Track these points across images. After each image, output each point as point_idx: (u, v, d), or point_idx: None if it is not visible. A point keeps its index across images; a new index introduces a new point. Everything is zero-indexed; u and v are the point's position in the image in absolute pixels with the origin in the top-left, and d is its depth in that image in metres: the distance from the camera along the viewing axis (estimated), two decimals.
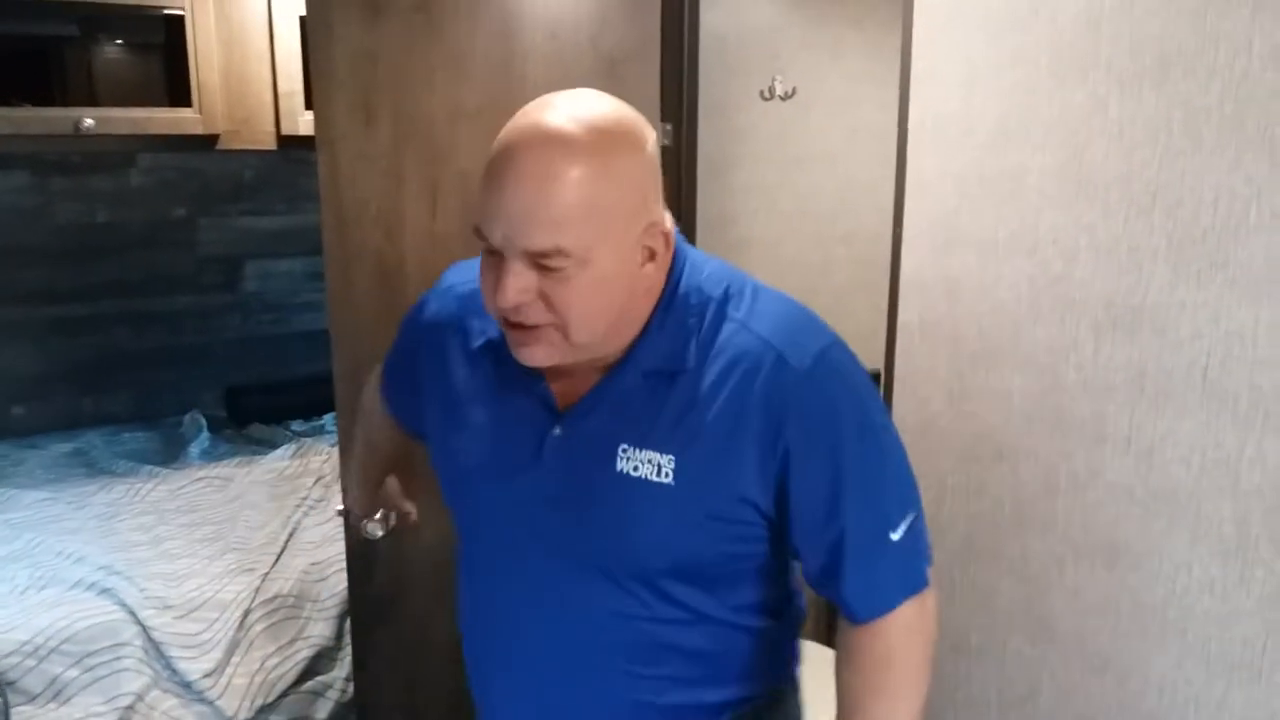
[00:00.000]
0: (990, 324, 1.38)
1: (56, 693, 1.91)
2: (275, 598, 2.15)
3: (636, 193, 0.91)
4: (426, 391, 1.13)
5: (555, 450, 0.99)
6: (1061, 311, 1.28)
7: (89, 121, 2.06)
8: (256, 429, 3.20)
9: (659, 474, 0.95)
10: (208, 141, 2.26)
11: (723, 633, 1.04)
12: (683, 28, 2.43)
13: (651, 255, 0.94)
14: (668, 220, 0.96)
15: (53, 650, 1.92)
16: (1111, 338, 1.22)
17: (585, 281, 0.90)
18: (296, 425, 3.24)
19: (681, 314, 0.97)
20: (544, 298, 0.90)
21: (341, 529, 2.39)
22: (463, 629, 1.15)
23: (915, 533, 0.98)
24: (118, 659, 1.98)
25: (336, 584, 2.19)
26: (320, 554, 2.28)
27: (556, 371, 0.99)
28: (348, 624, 2.16)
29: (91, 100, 2.10)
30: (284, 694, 2.09)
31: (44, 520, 2.40)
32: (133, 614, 2.02)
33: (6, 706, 1.68)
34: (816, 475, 0.94)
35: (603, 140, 0.89)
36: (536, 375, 1.00)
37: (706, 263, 1.02)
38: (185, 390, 3.31)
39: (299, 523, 2.44)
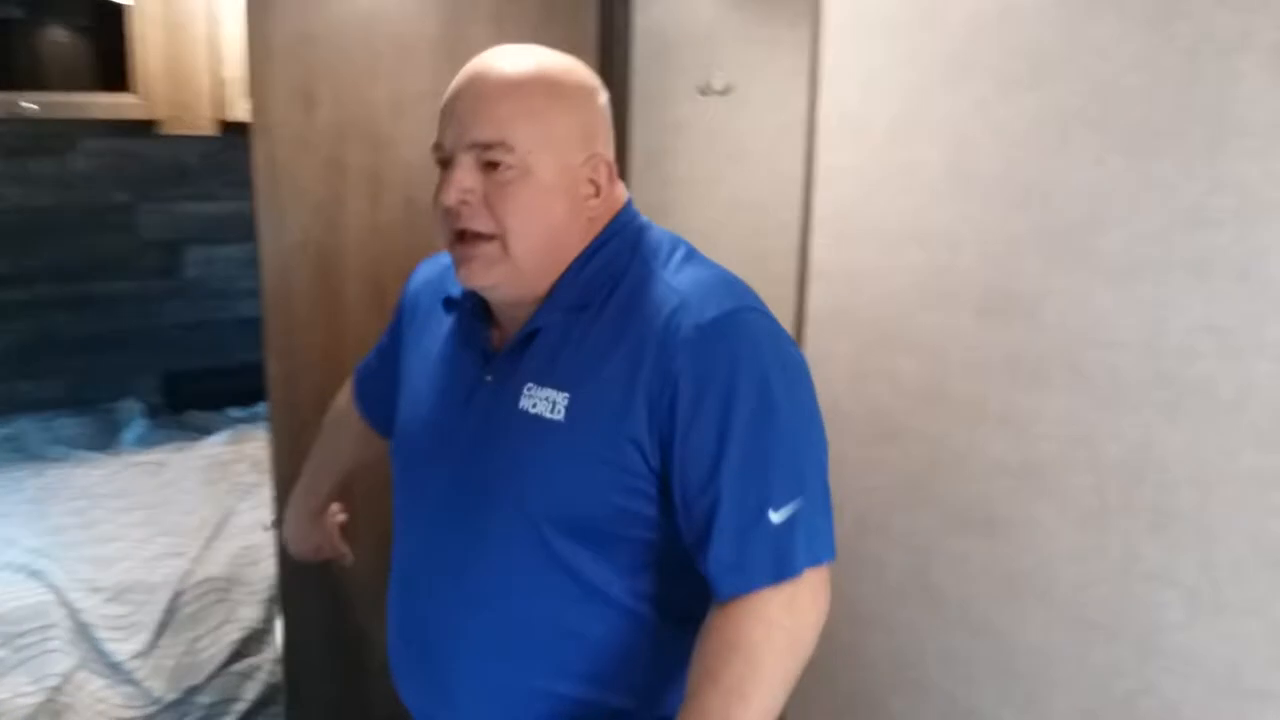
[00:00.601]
0: (886, 311, 1.45)
1: None
2: (205, 580, 2.18)
3: (583, 122, 0.98)
4: (404, 374, 1.16)
5: (482, 396, 1.02)
6: (948, 299, 1.36)
7: (30, 105, 2.07)
8: (193, 415, 3.20)
9: (553, 411, 0.95)
10: (148, 126, 2.27)
11: (625, 624, 0.99)
12: (619, 23, 2.49)
13: (596, 190, 0.99)
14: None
15: None
16: (990, 323, 1.30)
17: (526, 190, 0.95)
18: (234, 411, 3.25)
19: (610, 258, 1.00)
20: (487, 203, 0.95)
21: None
22: (388, 606, 1.14)
23: (799, 522, 0.91)
24: (46, 640, 1.99)
25: (267, 568, 2.22)
26: (251, 538, 2.31)
27: (499, 319, 1.04)
28: (277, 607, 2.20)
29: (34, 84, 2.11)
30: (212, 675, 2.11)
31: None
32: (61, 596, 2.03)
33: None
34: (700, 435, 0.91)
35: (554, 72, 0.98)
36: (482, 323, 1.05)
37: (659, 230, 1.05)
38: (123, 376, 3.29)
39: (232, 508, 2.46)
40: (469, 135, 0.95)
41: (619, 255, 1.00)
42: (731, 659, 0.88)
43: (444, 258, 1.10)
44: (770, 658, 0.89)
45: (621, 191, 1.04)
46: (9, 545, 2.17)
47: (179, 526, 2.35)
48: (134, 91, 2.20)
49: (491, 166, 0.95)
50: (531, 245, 0.97)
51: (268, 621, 2.19)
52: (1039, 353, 1.25)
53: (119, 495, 2.52)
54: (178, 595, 2.13)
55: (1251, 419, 1.05)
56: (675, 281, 0.97)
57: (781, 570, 0.90)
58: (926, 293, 1.39)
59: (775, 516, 0.91)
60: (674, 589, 1.00)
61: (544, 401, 0.96)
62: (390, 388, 1.20)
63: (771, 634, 0.89)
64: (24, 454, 2.79)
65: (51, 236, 2.88)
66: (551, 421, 0.95)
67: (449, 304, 1.10)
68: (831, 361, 1.56)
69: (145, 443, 2.93)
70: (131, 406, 3.16)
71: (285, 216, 1.67)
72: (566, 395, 0.95)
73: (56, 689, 1.96)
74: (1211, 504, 1.09)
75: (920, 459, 1.41)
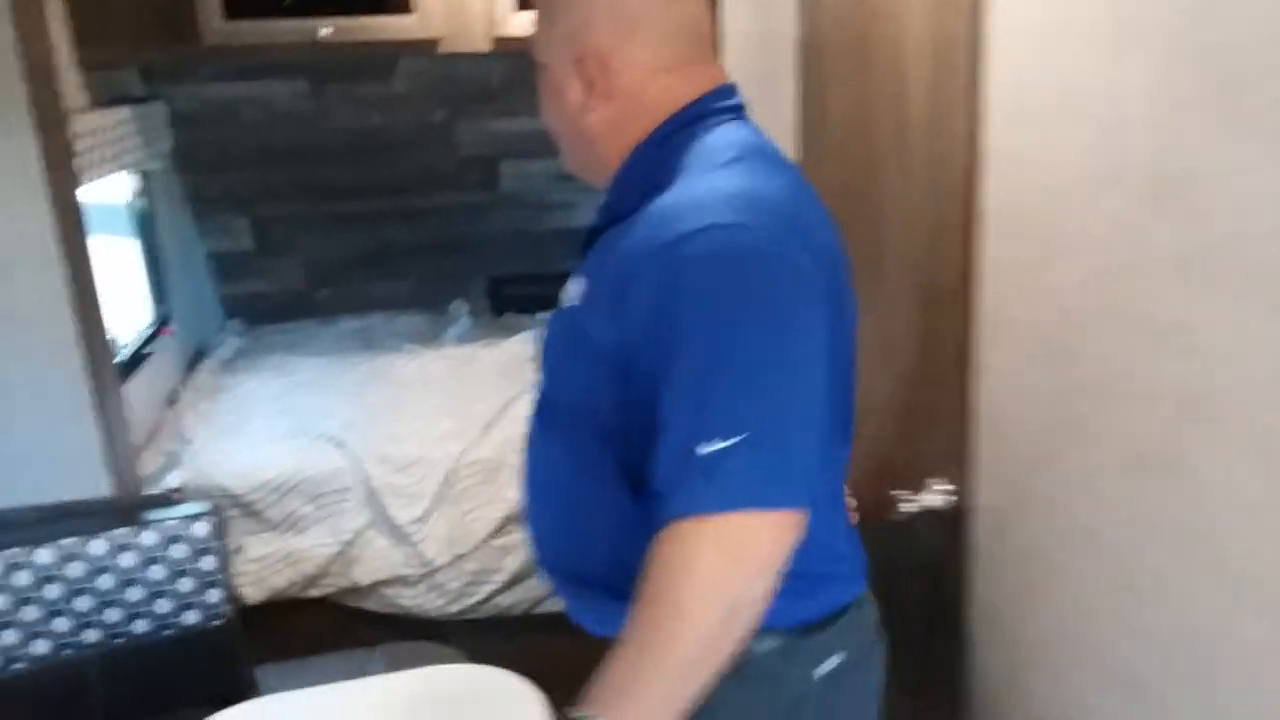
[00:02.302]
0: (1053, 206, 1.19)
1: (293, 524, 2.28)
2: (476, 461, 2.39)
3: (579, 10, 0.99)
4: None
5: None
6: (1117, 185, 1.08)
7: (325, 31, 2.33)
8: (510, 318, 3.49)
9: (575, 298, 0.99)
10: (429, 46, 2.47)
11: (613, 501, 1.00)
12: None
13: (591, 86, 0.99)
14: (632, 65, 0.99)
15: (292, 489, 2.28)
16: (1163, 210, 1.02)
17: (543, 87, 1.05)
18: (544, 315, 3.48)
19: (645, 166, 0.99)
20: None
21: None
22: None
23: (736, 459, 0.84)
24: (343, 501, 2.31)
25: None
26: (522, 427, 2.48)
27: None
28: None
29: (331, 11, 2.37)
30: (477, 546, 2.33)
31: (315, 382, 2.82)
32: (358, 464, 2.34)
33: (222, 534, 2.01)
34: (650, 353, 0.90)
35: None
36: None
37: (726, 132, 1.00)
38: (456, 280, 3.67)
39: (513, 399, 2.67)
40: None
41: (661, 159, 0.97)
42: (652, 576, 0.87)
43: None
44: (688, 587, 0.85)
45: (670, 90, 1.00)
46: (327, 417, 2.53)
47: (466, 412, 2.59)
48: (413, 13, 2.39)
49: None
50: (562, 143, 1.06)
51: None
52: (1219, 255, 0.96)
53: (426, 382, 2.83)
54: (453, 472, 2.36)
55: None
56: (690, 189, 0.93)
57: (705, 503, 0.85)
58: (1094, 179, 1.12)
59: (705, 449, 0.85)
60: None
61: (571, 290, 1.01)
62: None
63: (692, 564, 0.85)
64: (367, 344, 3.22)
65: (382, 153, 3.24)
66: (570, 308, 1.00)
67: None
68: (1003, 270, 1.33)
69: (463, 339, 3.26)
70: (460, 307, 3.52)
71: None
72: (584, 281, 0.98)
73: (349, 543, 2.28)
74: None
75: (1090, 383, 1.16)
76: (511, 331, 3.31)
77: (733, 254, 0.88)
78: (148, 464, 2.26)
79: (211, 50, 2.34)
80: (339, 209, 3.38)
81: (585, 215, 3.65)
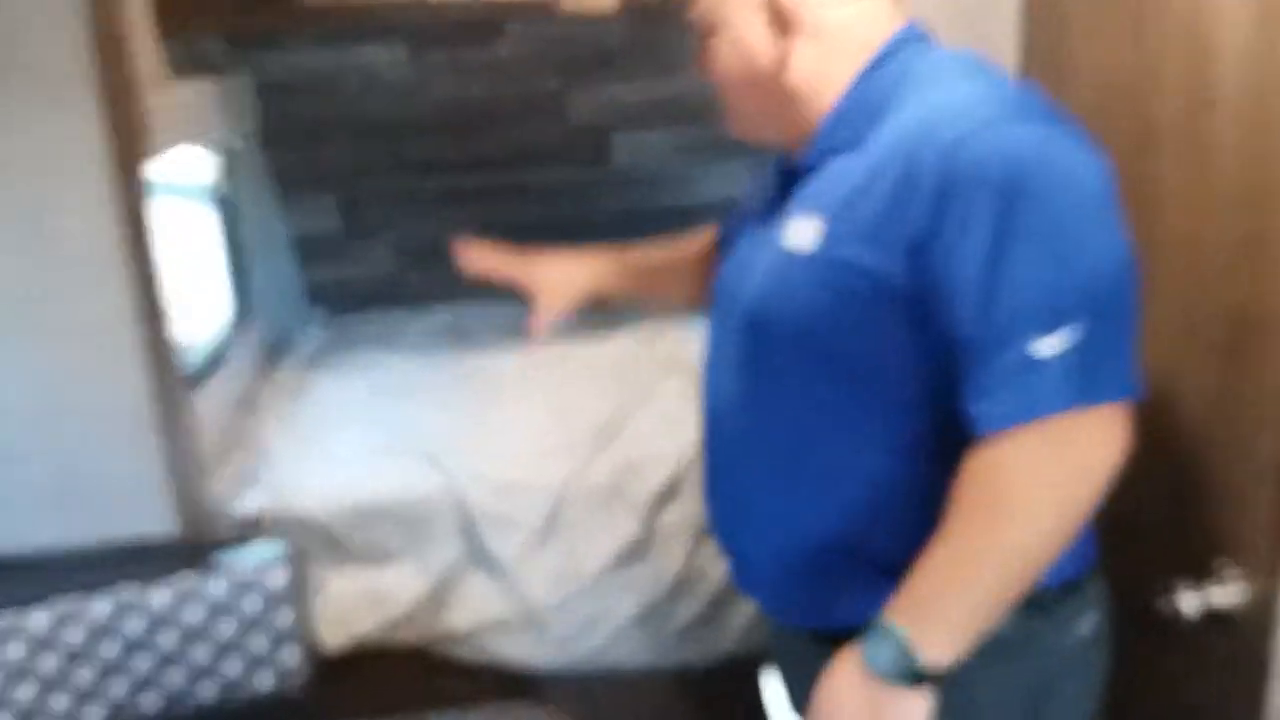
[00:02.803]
0: None
1: (379, 556, 2.00)
2: (589, 486, 2.07)
3: None
4: None
5: (757, 239, 1.07)
6: None
7: None
8: (619, 305, 3.17)
9: (808, 241, 0.95)
10: (545, 8, 2.13)
11: (886, 463, 0.97)
12: None
13: (783, 26, 0.96)
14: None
15: (380, 515, 2.00)
16: None
17: (717, 51, 1.00)
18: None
19: (867, 95, 0.97)
20: (708, 73, 1.03)
21: (667, 424, 2.26)
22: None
23: (1069, 354, 0.83)
24: (436, 530, 2.02)
25: (652, 480, 2.07)
26: (642, 448, 2.17)
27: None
28: (656, 523, 2.04)
29: None
30: (590, 585, 2.02)
31: (406, 386, 2.54)
32: (453, 486, 2.04)
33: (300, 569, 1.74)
34: (952, 260, 0.86)
35: None
36: (782, 170, 1.09)
37: (942, 55, 0.99)
38: None
39: (629, 411, 2.34)
40: None
41: (881, 91, 0.96)
42: (979, 483, 0.86)
43: None
44: (1026, 493, 0.84)
45: (875, 19, 0.99)
46: (418, 428, 2.25)
47: (574, 424, 2.28)
48: None
49: (703, 38, 1.03)
50: (737, 105, 1.05)
51: (645, 537, 2.04)
52: None
53: (527, 385, 2.53)
54: (561, 497, 2.06)
55: None
56: (937, 99, 0.91)
57: (1039, 406, 0.85)
58: None
59: (1033, 349, 0.84)
60: (941, 429, 0.93)
61: (797, 232, 0.97)
62: None
63: (1027, 467, 0.84)
64: (460, 338, 2.94)
65: (484, 126, 2.93)
66: (805, 252, 0.95)
67: None
68: None
69: (565, 333, 2.94)
70: None
71: None
72: (820, 222, 0.94)
73: (441, 580, 1.99)
74: None
75: None
76: (618, 324, 2.99)
77: (1027, 144, 0.85)
78: (222, 483, 2.00)
79: (309, 13, 2.04)
80: (434, 186, 3.09)
81: (704, 191, 3.30)
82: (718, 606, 2.03)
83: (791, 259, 0.97)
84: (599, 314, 3.04)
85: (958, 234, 0.85)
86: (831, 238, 0.93)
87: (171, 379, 1.68)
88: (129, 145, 1.55)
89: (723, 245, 1.30)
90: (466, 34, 2.71)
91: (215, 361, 2.24)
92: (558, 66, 2.87)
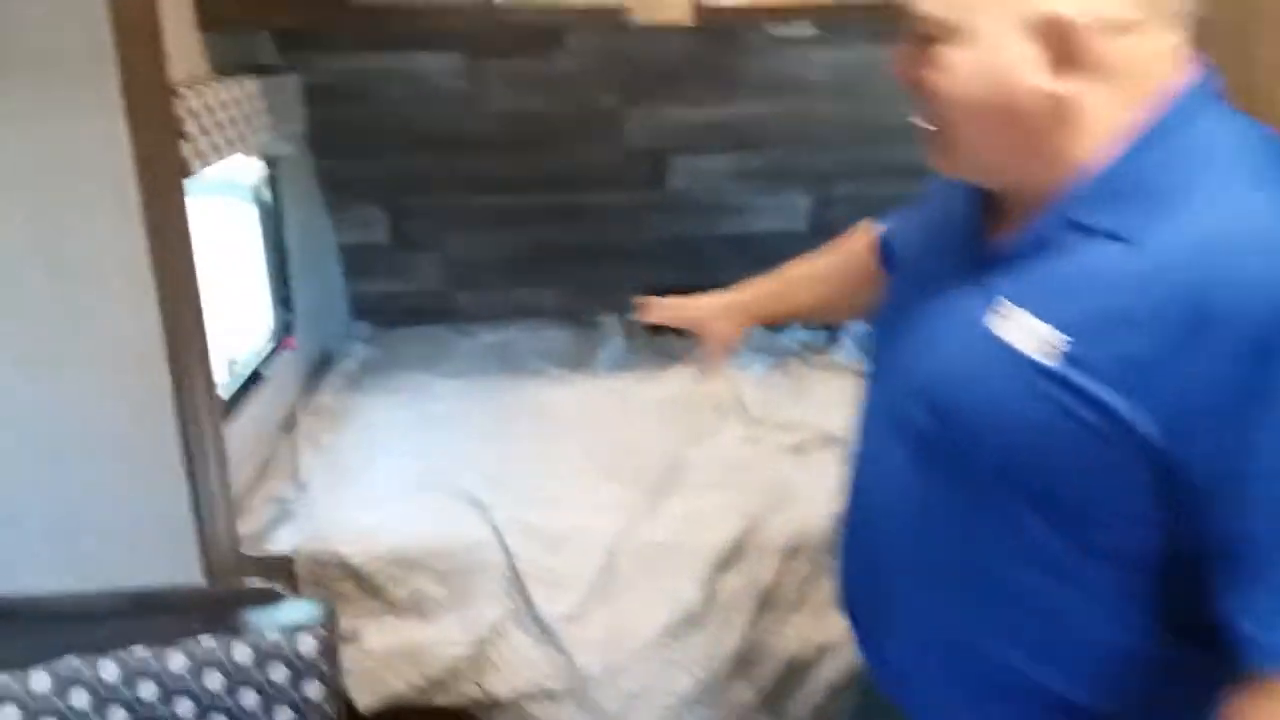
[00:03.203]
0: None
1: (419, 608, 1.84)
2: (645, 543, 1.90)
3: None
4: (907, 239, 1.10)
5: (942, 285, 0.88)
6: None
7: None
8: (670, 340, 3.00)
9: (1038, 349, 0.78)
10: (617, 16, 1.96)
11: (1104, 616, 0.81)
12: None
13: (1061, 60, 0.76)
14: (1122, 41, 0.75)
15: (421, 564, 1.84)
16: None
17: (952, 63, 0.79)
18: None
19: (1145, 169, 0.77)
20: (921, 85, 0.82)
21: (730, 473, 2.09)
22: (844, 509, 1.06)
23: None
24: (480, 584, 1.86)
25: (713, 538, 1.89)
26: (703, 500, 2.00)
27: (999, 217, 0.87)
28: (717, 587, 1.86)
29: None
30: (640, 656, 1.84)
31: (452, 415, 2.39)
32: (500, 537, 1.88)
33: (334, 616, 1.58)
34: (1236, 434, 0.69)
35: None
36: (974, 202, 0.90)
37: (1231, 119, 0.78)
38: (608, 290, 3.21)
39: (683, 456, 2.18)
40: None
41: (1161, 168, 0.76)
42: None
43: None
44: None
45: (1167, 63, 0.78)
46: (463, 466, 2.10)
47: (629, 471, 2.11)
48: None
49: (925, 39, 0.80)
50: (964, 131, 0.80)
51: (704, 605, 1.87)
52: None
53: (578, 425, 2.37)
54: (614, 554, 1.89)
55: None
56: (1237, 206, 0.72)
57: None
58: None
59: None
60: (1180, 597, 0.78)
61: (1026, 332, 0.79)
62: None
63: None
64: (507, 363, 2.79)
65: (539, 142, 2.78)
66: (1034, 361, 0.78)
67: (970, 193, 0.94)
68: None
69: (617, 365, 2.80)
70: (612, 325, 3.06)
71: None
72: (1070, 340, 0.76)
73: (484, 640, 1.83)
74: None
75: None
76: (672, 358, 2.82)
77: None
78: (254, 517, 1.85)
79: (361, 14, 1.89)
80: (485, 203, 2.94)
81: (762, 221, 3.14)
82: (780, 688, 1.85)
83: (1008, 357, 0.80)
84: (652, 350, 2.90)
85: (1259, 408, 0.68)
86: (1074, 361, 0.76)
87: (204, 410, 1.53)
88: (161, 148, 1.41)
89: (889, 262, 1.19)
90: (525, 44, 2.56)
91: (253, 382, 2.09)
92: (618, 84, 2.71)
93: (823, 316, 1.40)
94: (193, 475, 1.49)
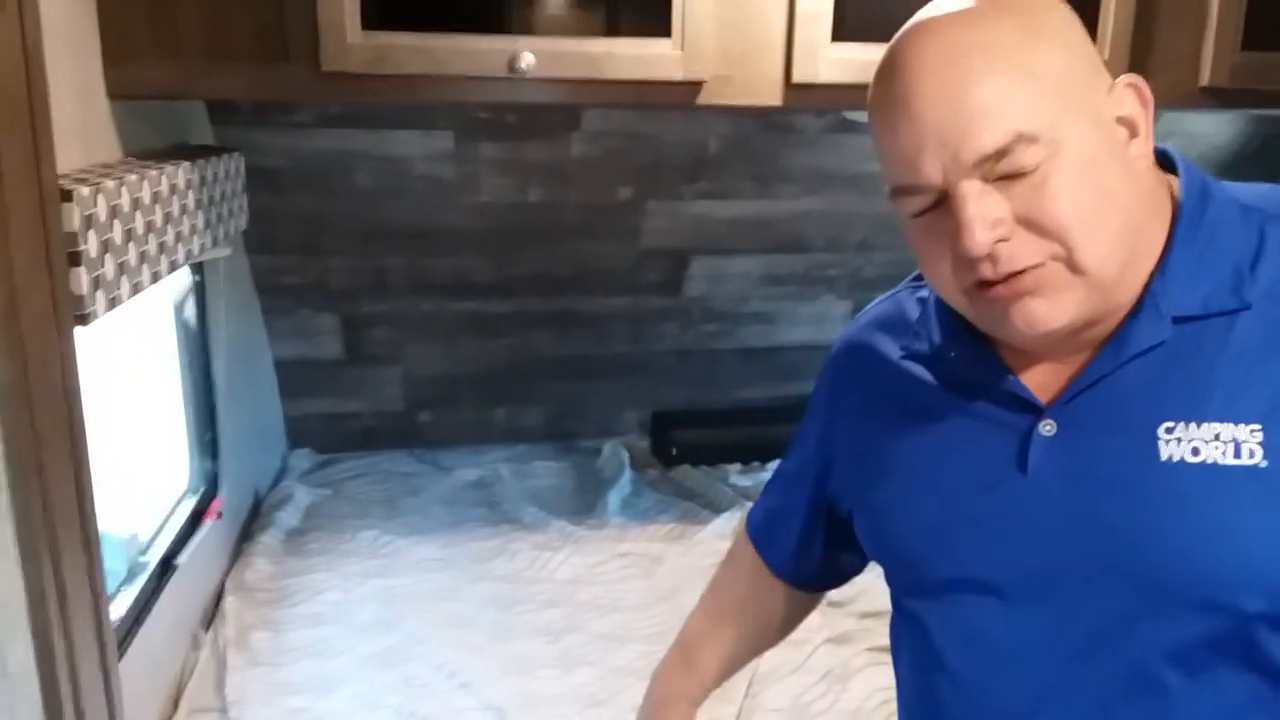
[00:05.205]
0: None
1: None
2: None
3: (1084, 49, 0.70)
4: (843, 471, 0.86)
5: (1048, 455, 0.72)
6: None
7: (528, 57, 1.35)
8: (687, 474, 2.50)
9: (1237, 454, 0.66)
10: (685, 92, 1.47)
11: None
12: None
13: (1133, 129, 0.69)
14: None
15: None
16: None
17: (1068, 172, 0.66)
18: (734, 475, 2.49)
19: (1214, 232, 0.71)
20: (1025, 221, 0.66)
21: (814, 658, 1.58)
22: None
23: None
24: None
25: None
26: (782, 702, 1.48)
27: (1023, 361, 0.75)
28: None
29: (530, 30, 1.40)
30: None
31: (429, 597, 1.84)
32: None
33: None
34: None
35: (1015, 4, 0.69)
36: (994, 368, 0.75)
37: (1237, 183, 0.76)
38: (607, 409, 2.72)
39: (753, 673, 1.64)
40: (966, 152, 0.65)
41: (1228, 225, 0.71)
42: None
43: (864, 316, 0.87)
44: None
45: (1143, 86, 0.72)
46: (462, 691, 1.55)
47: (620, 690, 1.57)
48: (672, 37, 1.39)
49: (1012, 175, 0.65)
50: (1101, 240, 0.67)
51: None
52: None
53: (603, 607, 1.84)
54: None
55: None
56: None
57: None
58: None
59: None
60: None
61: (1212, 444, 0.67)
62: (810, 521, 0.90)
63: None
64: (493, 511, 2.24)
65: (536, 238, 2.28)
66: (1242, 469, 0.66)
67: (917, 358, 0.80)
68: None
69: (632, 512, 2.29)
70: (618, 455, 2.56)
71: None
72: (1257, 428, 0.66)
73: None
74: None
75: None
76: (694, 503, 2.31)
77: None
78: None
79: (328, 82, 1.36)
80: (459, 309, 2.43)
81: (788, 332, 2.69)
82: None
83: (1227, 479, 0.66)
84: (668, 488, 2.39)
85: None
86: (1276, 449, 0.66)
87: (91, 645, 0.96)
88: (37, 280, 0.87)
89: (777, 561, 0.93)
90: (538, 125, 2.06)
91: (164, 575, 1.50)
92: (636, 172, 2.22)
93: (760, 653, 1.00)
94: None
